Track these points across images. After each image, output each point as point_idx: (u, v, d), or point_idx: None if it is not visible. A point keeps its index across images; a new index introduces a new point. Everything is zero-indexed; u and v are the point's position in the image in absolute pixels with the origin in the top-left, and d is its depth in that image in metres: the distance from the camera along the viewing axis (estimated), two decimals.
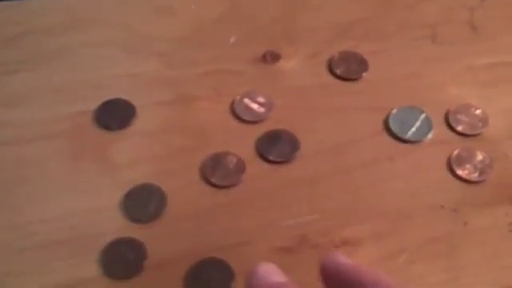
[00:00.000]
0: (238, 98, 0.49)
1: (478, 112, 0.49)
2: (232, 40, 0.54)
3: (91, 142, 0.47)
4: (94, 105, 0.48)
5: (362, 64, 0.52)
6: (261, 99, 0.49)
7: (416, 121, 0.48)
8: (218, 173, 0.45)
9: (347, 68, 0.52)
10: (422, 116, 0.49)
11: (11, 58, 0.52)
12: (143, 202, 0.43)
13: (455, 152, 0.47)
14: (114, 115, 0.48)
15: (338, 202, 0.44)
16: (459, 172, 0.46)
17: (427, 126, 0.48)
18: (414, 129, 0.48)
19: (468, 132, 0.48)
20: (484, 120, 0.49)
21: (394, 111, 0.49)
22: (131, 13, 0.56)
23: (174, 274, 0.40)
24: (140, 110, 0.48)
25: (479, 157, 0.47)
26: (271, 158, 0.46)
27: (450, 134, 0.48)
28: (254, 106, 0.49)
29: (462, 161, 0.46)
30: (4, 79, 0.50)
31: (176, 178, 0.45)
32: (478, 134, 0.48)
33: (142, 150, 0.46)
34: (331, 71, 0.52)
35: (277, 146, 0.46)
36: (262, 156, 0.46)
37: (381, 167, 0.46)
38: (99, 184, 0.44)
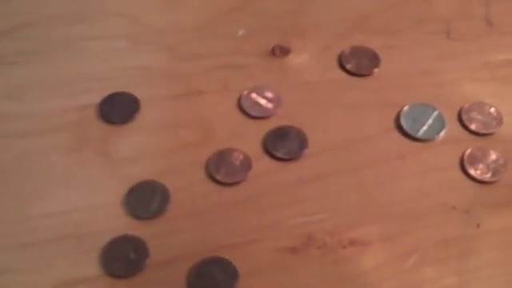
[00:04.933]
0: (246, 92, 0.48)
1: (492, 110, 0.48)
2: (240, 33, 0.52)
3: (94, 136, 0.46)
4: (98, 98, 0.47)
5: (373, 59, 0.51)
6: (269, 94, 0.48)
7: (428, 118, 0.47)
8: (223, 170, 0.44)
9: (358, 63, 0.50)
10: (435, 113, 0.47)
11: (14, 49, 0.50)
12: (146, 199, 0.42)
13: (468, 151, 0.46)
14: (118, 109, 0.47)
15: (347, 201, 0.43)
16: (472, 172, 0.45)
17: (440, 123, 0.47)
18: (425, 127, 0.47)
19: (481, 131, 0.47)
20: (498, 119, 0.48)
21: (406, 108, 0.48)
22: (138, 4, 0.54)
23: (176, 273, 0.39)
24: (144, 104, 0.47)
25: (493, 156, 0.45)
26: (279, 155, 0.45)
27: (463, 133, 0.47)
28: (262, 102, 0.47)
29: (474, 160, 0.45)
30: (6, 70, 0.49)
31: (180, 174, 0.44)
32: (492, 133, 0.47)
33: (145, 145, 0.45)
34: (342, 66, 0.50)
35: (284, 143, 0.45)
36: (269, 153, 0.45)
37: (391, 166, 0.45)
38: (101, 180, 0.43)
